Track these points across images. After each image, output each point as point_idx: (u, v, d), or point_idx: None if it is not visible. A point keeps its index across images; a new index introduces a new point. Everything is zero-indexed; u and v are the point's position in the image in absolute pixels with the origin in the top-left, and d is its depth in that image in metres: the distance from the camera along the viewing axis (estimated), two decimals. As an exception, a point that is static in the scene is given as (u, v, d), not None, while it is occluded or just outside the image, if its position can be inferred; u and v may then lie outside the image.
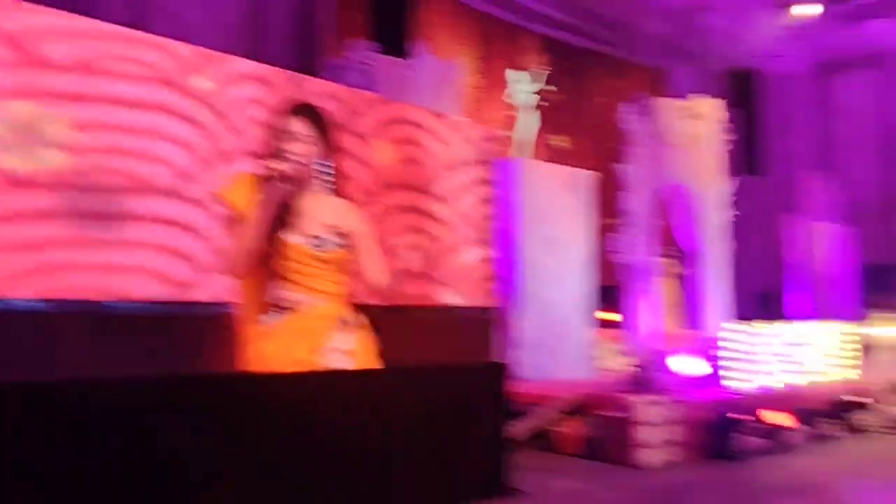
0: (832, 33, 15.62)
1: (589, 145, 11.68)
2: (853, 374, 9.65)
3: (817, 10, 14.20)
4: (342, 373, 4.50)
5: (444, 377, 5.55)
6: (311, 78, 5.88)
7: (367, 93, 6.63)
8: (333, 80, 6.86)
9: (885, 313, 11.31)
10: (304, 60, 8.78)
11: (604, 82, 13.65)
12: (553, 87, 12.10)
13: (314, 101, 5.96)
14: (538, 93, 11.79)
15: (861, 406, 8.78)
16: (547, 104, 11.98)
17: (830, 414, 8.46)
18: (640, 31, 14.03)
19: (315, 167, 3.48)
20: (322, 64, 9.08)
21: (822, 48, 16.36)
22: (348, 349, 4.21)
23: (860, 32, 15.60)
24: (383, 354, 5.39)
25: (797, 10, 14.30)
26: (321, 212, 3.61)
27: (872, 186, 16.14)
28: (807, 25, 14.86)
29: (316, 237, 3.55)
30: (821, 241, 13.00)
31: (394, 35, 9.73)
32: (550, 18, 13.00)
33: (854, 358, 9.81)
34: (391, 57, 9.68)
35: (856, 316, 11.13)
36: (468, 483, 5.58)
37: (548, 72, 12.01)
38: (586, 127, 12.36)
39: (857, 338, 10.05)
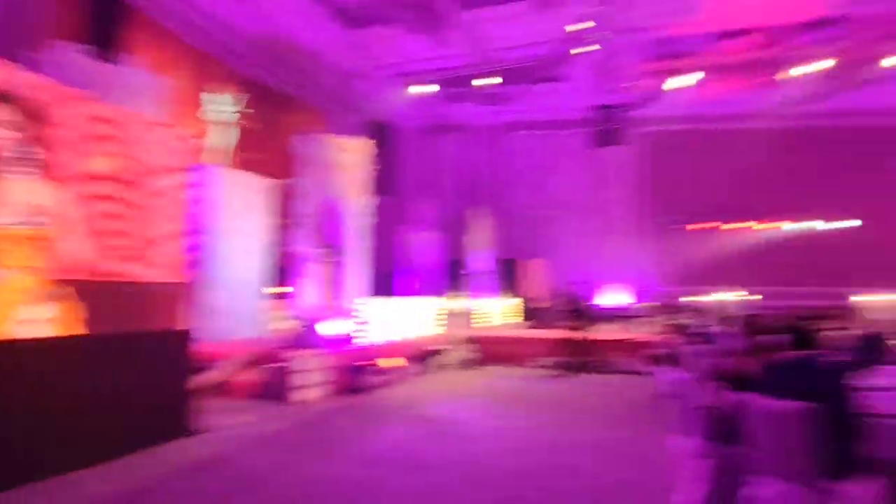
0: (439, 107, 17.45)
1: (275, 162, 11.27)
2: (438, 331, 10.86)
3: (434, 88, 15.70)
4: (38, 341, 3.74)
5: (138, 342, 4.95)
6: (19, 67, 4.65)
7: (77, 89, 5.53)
8: (43, 74, 5.55)
9: (457, 292, 12.88)
10: (10, 51, 6.92)
11: (289, 115, 13.32)
12: (250, 110, 11.39)
13: (21, 90, 4.81)
14: (237, 113, 11.03)
15: (442, 352, 9.98)
16: (245, 123, 11.26)
17: (424, 357, 9.49)
18: (315, 82, 14.03)
19: (17, 152, 2.85)
20: (31, 57, 7.28)
21: (432, 116, 18.18)
22: (49, 318, 3.55)
23: (453, 109, 17.69)
24: (89, 322, 4.59)
25: (418, 89, 15.62)
26: (21, 193, 2.98)
27: (453, 209, 18.35)
28: (424, 100, 16.33)
29: (13, 217, 2.93)
30: (423, 244, 14.46)
31: (106, 42, 8.22)
32: (249, 59, 12.28)
33: (439, 320, 11.09)
34: (102, 61, 8.18)
35: (441, 293, 12.58)
36: (158, 428, 5.06)
37: (246, 97, 11.28)
38: (274, 147, 11.90)
39: (441, 308, 11.38)
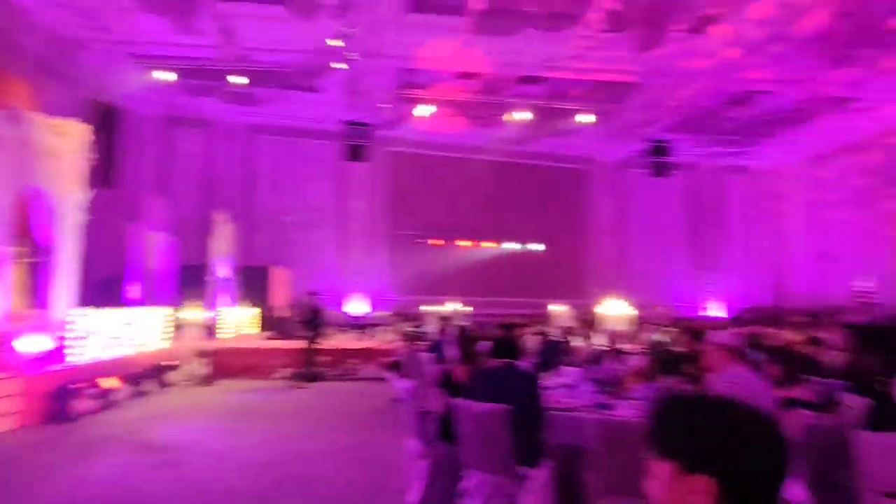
0: (182, 98, 15.85)
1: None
2: (169, 344, 9.86)
3: (173, 77, 14.17)
4: None
5: None
6: None
7: None
8: None
9: (192, 301, 11.81)
10: None
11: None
12: None
13: None
14: None
15: (172, 368, 9.10)
16: None
17: (151, 375, 8.53)
18: (22, 46, 11.45)
19: None
20: None
21: (173, 106, 16.43)
22: None
23: (198, 103, 16.29)
24: None
25: (157, 74, 13.98)
26: None
27: (192, 210, 16.88)
28: (165, 87, 14.67)
29: None
30: (153, 246, 12.93)
31: None
32: None
33: (169, 333, 10.06)
34: None
35: (173, 302, 11.41)
36: None
37: None
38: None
39: (173, 318, 10.34)
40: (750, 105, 15.70)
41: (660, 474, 1.05)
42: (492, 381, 3.70)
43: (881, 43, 11.79)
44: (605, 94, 15.20)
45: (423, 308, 15.74)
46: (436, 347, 7.43)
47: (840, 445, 3.08)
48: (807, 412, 3.33)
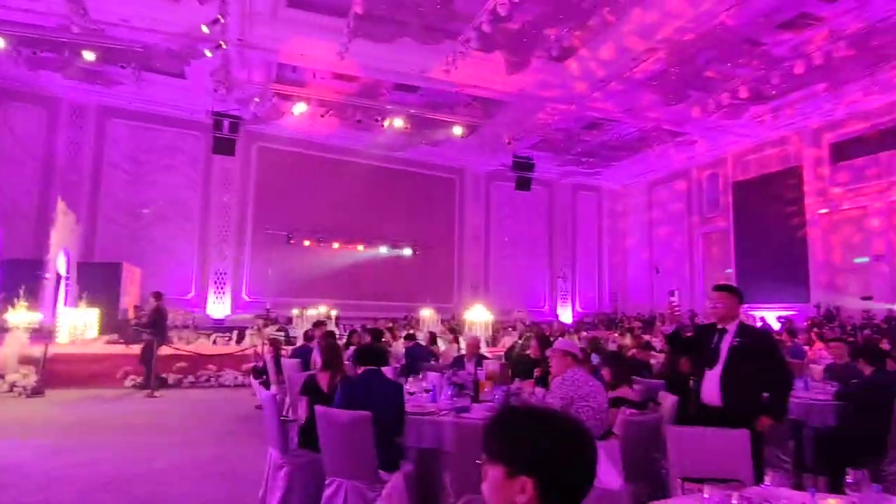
0: (17, 68, 13.83)
1: None
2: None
3: (1, 44, 12.34)
4: None
5: None
6: None
7: None
8: None
9: (19, 300, 10.31)
10: None
11: None
12: None
13: None
14: None
15: (-8, 377, 7.93)
16: None
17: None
18: None
19: None
20: None
21: (4, 77, 14.30)
22: None
23: (37, 76, 14.37)
24: None
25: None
26: None
27: (26, 196, 14.87)
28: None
29: None
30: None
31: None
32: None
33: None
34: None
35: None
36: None
37: None
38: None
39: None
40: (601, 131, 17.30)
41: (491, 477, 1.17)
42: (355, 388, 3.72)
43: (704, 87, 13.64)
44: (476, 109, 15.86)
45: (291, 311, 15.21)
46: (301, 353, 7.26)
47: (654, 438, 3.54)
48: (630, 410, 3.78)
